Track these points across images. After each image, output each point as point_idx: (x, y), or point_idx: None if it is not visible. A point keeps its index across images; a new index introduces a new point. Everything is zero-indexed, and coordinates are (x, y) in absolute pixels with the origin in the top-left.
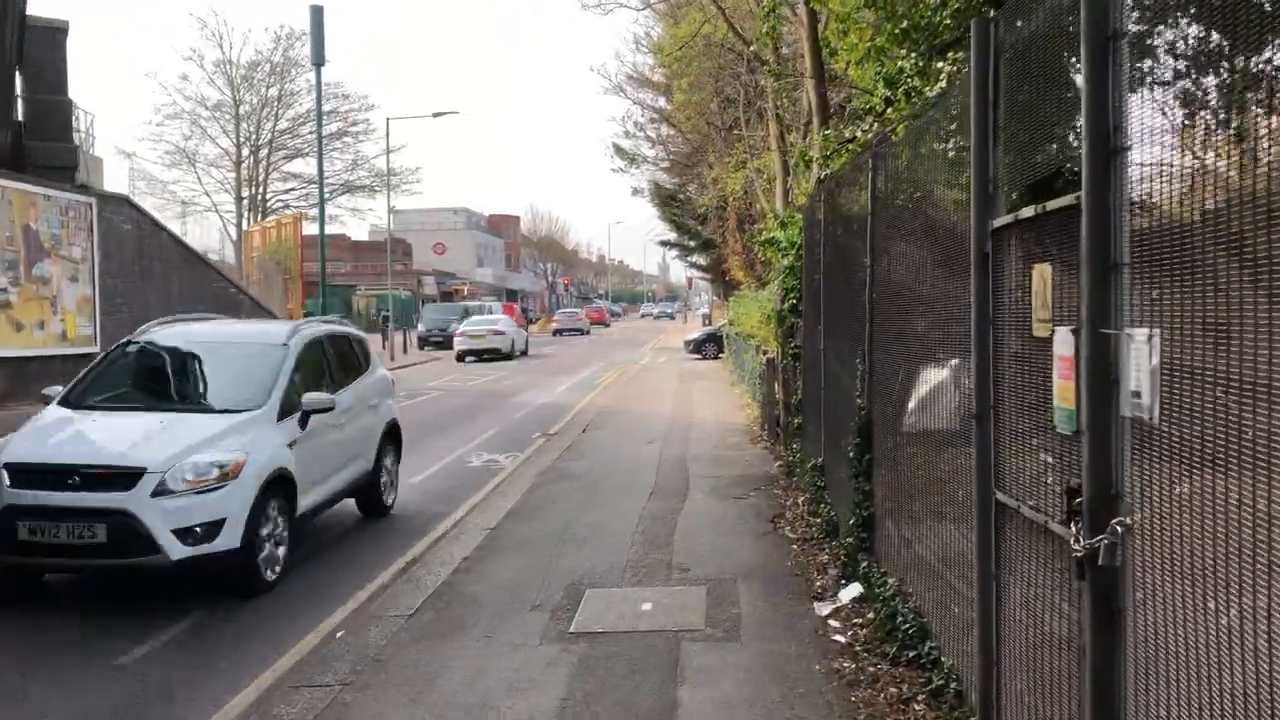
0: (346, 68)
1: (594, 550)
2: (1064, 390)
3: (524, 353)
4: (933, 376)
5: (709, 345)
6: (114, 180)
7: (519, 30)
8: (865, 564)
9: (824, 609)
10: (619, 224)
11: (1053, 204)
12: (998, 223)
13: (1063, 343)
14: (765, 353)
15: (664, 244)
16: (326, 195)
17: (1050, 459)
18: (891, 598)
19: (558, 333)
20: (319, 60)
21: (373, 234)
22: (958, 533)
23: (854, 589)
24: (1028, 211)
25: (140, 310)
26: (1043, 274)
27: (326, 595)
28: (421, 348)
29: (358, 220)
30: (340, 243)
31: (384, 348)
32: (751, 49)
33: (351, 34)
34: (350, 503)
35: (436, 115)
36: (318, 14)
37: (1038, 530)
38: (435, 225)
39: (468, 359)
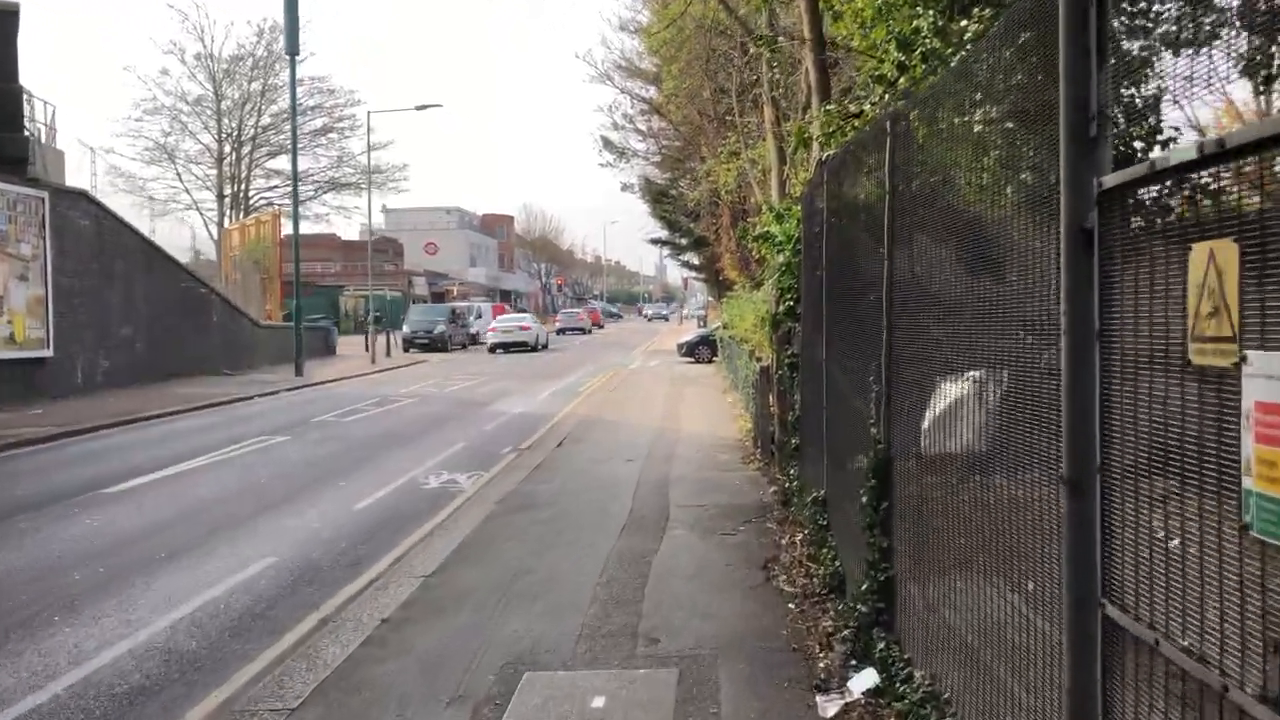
0: (337, 69)
1: (545, 609)
2: (1269, 462)
3: (545, 345)
4: (979, 404)
5: (702, 348)
6: (86, 177)
7: (512, 33)
8: (882, 645)
9: (829, 708)
10: (614, 224)
11: (1239, 136)
12: (1112, 180)
13: (1267, 379)
14: (759, 360)
15: (655, 242)
16: (310, 193)
17: (1231, 575)
18: (921, 702)
19: (561, 331)
20: (293, 50)
21: (364, 233)
22: (1030, 633)
23: (867, 677)
24: (1184, 154)
25: (99, 312)
26: (1219, 258)
27: (194, 679)
28: (406, 350)
29: (346, 219)
30: (330, 242)
31: (367, 349)
32: (740, 14)
33: (343, 37)
34: (279, 537)
35: (420, 108)
36: (292, 2)
37: (1194, 685)
38: (427, 225)
39: (498, 350)
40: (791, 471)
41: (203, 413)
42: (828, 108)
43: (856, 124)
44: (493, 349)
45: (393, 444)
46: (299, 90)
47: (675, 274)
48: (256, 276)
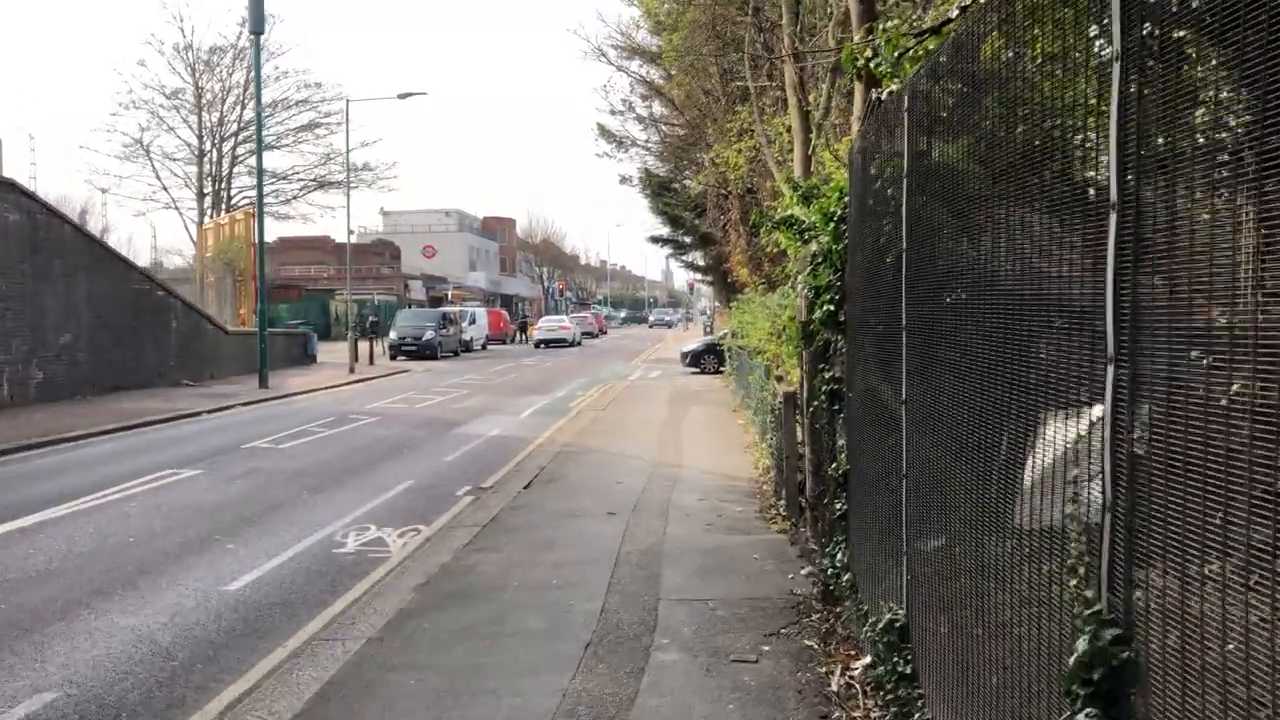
0: (326, 65)
1: None
2: None
3: (578, 342)
4: None
5: (708, 358)
6: (62, 175)
7: (523, 39)
8: None
9: None
10: (619, 227)
11: None
12: None
13: None
14: (779, 378)
15: (656, 240)
16: (294, 193)
17: None
18: None
19: (540, 344)
20: (257, 29)
21: (361, 235)
22: None
23: None
24: None
25: (33, 317)
26: None
27: None
28: (394, 357)
29: (335, 220)
30: (323, 244)
31: (352, 357)
32: None
33: (336, 32)
34: (89, 648)
35: (403, 96)
36: None
37: None
38: (426, 227)
39: (541, 346)
40: (836, 553)
41: (130, 434)
42: (889, 24)
43: (928, 43)
44: (537, 345)
45: (325, 481)
46: (283, 84)
47: (682, 279)
48: (230, 278)
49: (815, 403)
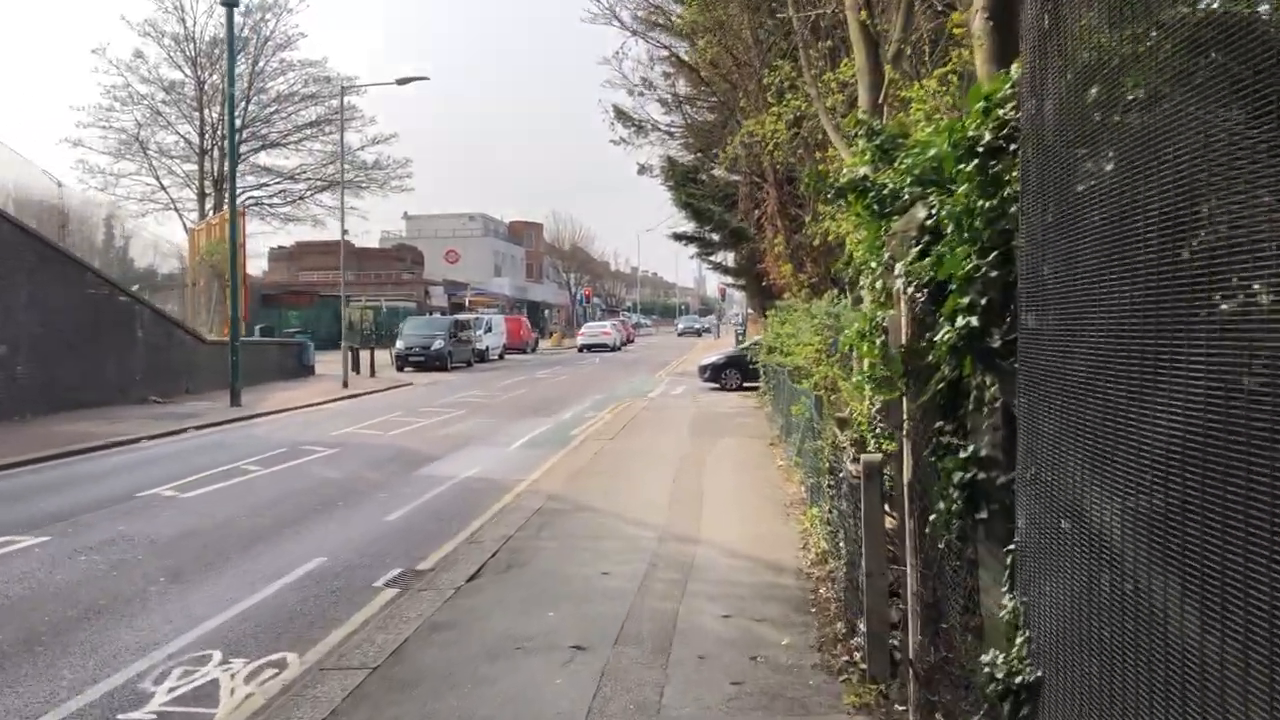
0: (340, 56)
1: None
2: None
3: (619, 347)
4: None
5: (730, 372)
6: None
7: (556, 45)
8: None
9: None
10: (649, 232)
11: None
12: None
13: None
14: (841, 420)
15: (679, 238)
16: (302, 193)
17: None
18: None
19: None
20: (230, 1)
21: (383, 240)
22: None
23: None
24: None
25: None
26: None
27: None
28: (400, 369)
29: (355, 222)
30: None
31: (345, 369)
32: None
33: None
34: None
35: (401, 81)
36: None
37: None
38: (449, 232)
39: (584, 350)
40: None
41: (34, 469)
42: None
43: None
44: (580, 349)
45: (204, 558)
46: (290, 78)
47: (714, 284)
48: (217, 283)
49: (942, 512)
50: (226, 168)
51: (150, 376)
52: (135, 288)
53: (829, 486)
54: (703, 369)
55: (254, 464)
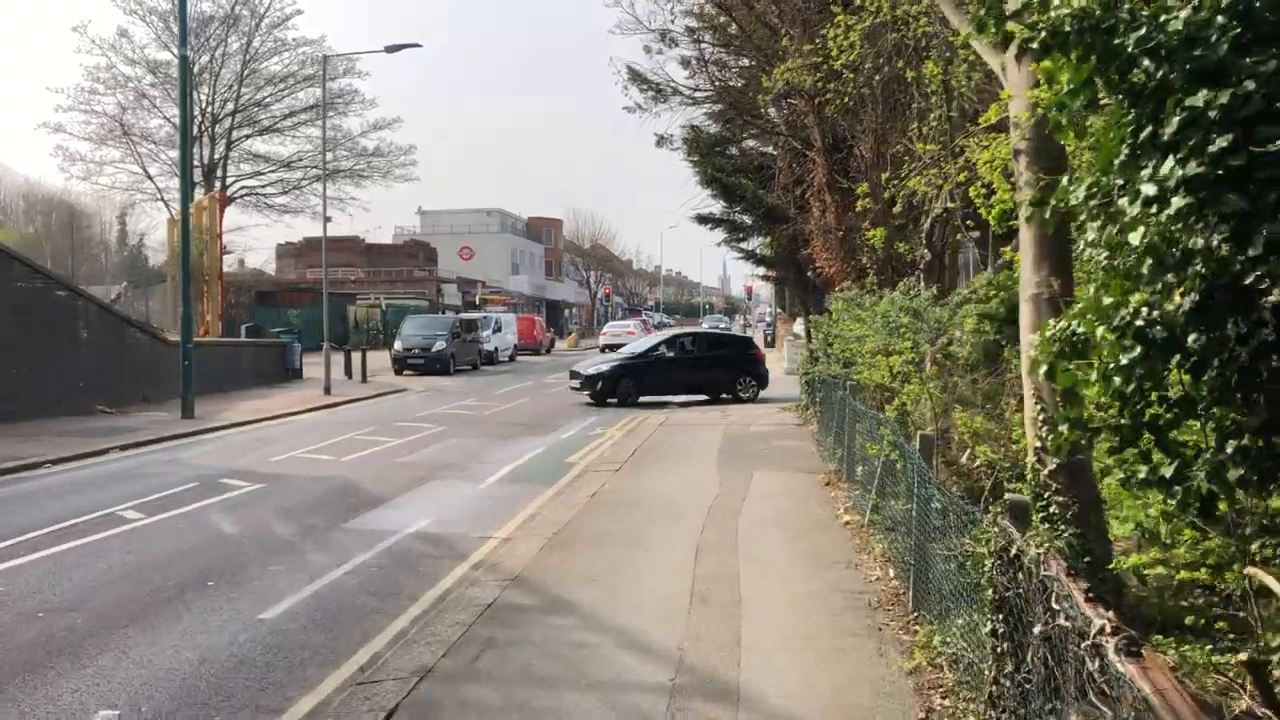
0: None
1: None
2: None
3: None
4: None
5: (626, 383)
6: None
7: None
8: None
9: None
10: (672, 229)
11: None
12: None
13: None
14: (992, 488)
15: (704, 221)
16: (299, 182)
17: None
18: None
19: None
20: None
21: (396, 235)
22: None
23: None
24: None
25: None
26: None
27: None
28: (399, 372)
29: (344, 213)
30: (352, 245)
31: (347, 373)
32: None
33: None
34: None
35: (390, 49)
36: None
37: None
38: (465, 228)
39: (607, 350)
40: None
41: None
42: None
43: None
44: (603, 349)
45: None
46: (286, 56)
47: (740, 284)
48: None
49: None
50: (215, 154)
51: (99, 383)
52: (124, 284)
53: (993, 610)
54: (583, 377)
55: (138, 509)
